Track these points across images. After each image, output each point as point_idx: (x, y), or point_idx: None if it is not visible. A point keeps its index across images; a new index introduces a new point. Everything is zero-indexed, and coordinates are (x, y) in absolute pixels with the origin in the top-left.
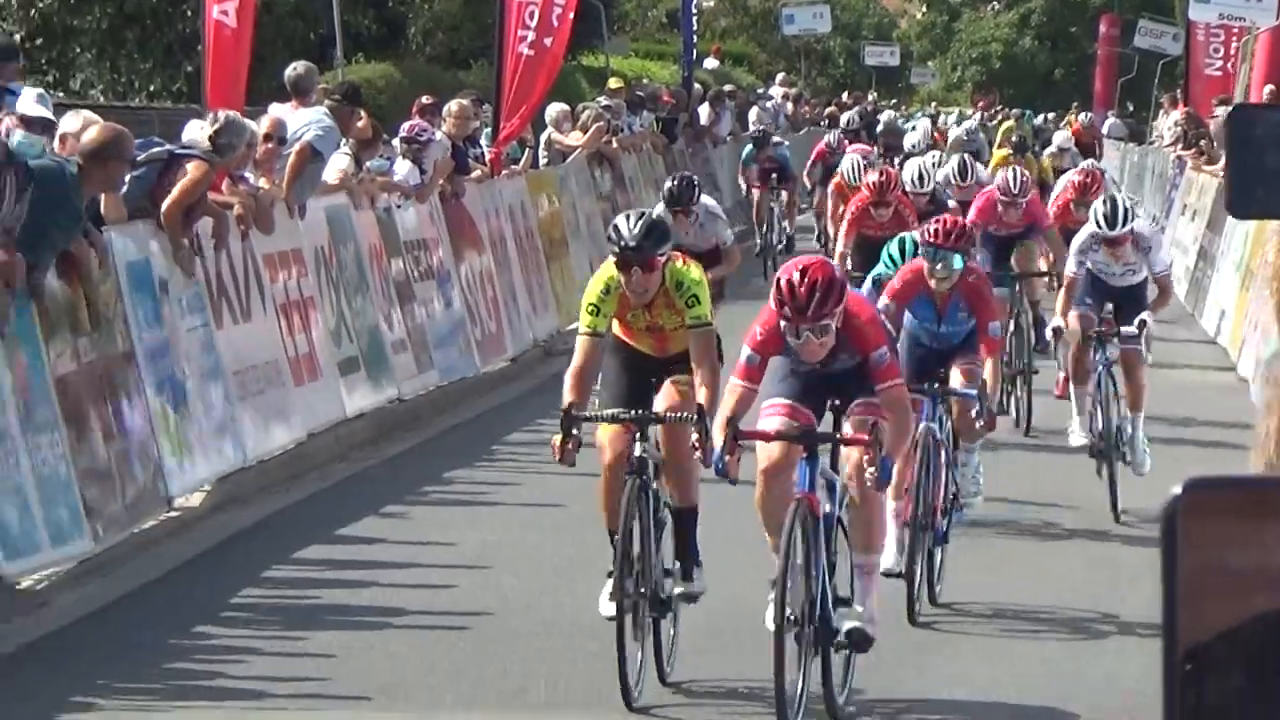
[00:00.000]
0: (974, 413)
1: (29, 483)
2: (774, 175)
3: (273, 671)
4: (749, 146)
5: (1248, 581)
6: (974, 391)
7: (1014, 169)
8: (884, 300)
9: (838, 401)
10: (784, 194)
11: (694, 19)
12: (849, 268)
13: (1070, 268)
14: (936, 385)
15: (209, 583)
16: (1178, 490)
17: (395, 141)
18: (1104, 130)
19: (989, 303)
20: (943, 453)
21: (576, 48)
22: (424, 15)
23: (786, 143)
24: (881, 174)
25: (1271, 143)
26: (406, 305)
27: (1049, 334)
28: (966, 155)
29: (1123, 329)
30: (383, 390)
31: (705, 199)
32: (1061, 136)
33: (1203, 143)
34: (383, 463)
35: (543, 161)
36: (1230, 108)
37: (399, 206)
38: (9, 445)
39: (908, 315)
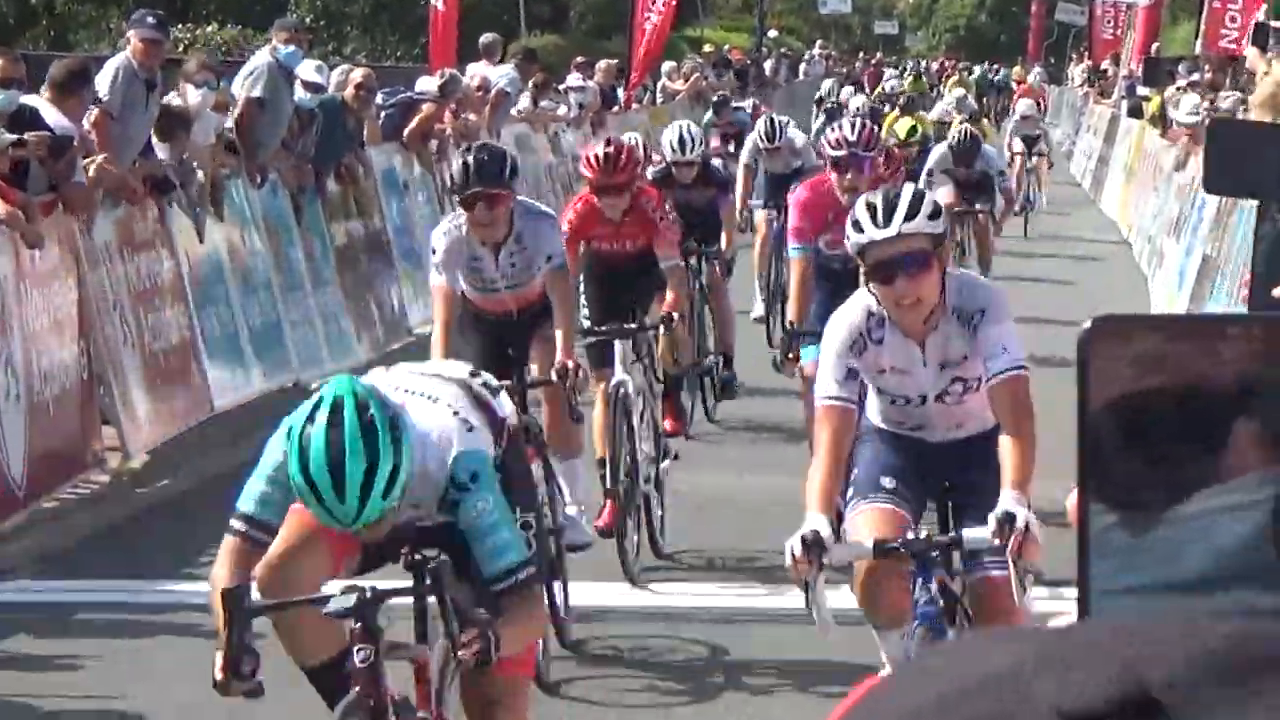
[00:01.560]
0: None
1: (315, 316)
2: (733, 141)
3: None
4: (708, 113)
5: (1148, 386)
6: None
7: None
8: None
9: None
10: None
11: (762, 3)
12: None
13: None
14: None
15: None
16: (1088, 324)
17: (561, 88)
18: (1033, 77)
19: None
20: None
21: (680, 24)
22: (580, 2)
23: (748, 105)
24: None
25: (1236, 146)
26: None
27: None
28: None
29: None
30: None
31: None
32: (1025, 105)
33: (1100, 84)
34: None
35: (658, 100)
36: (1212, 118)
37: (563, 130)
38: (304, 292)
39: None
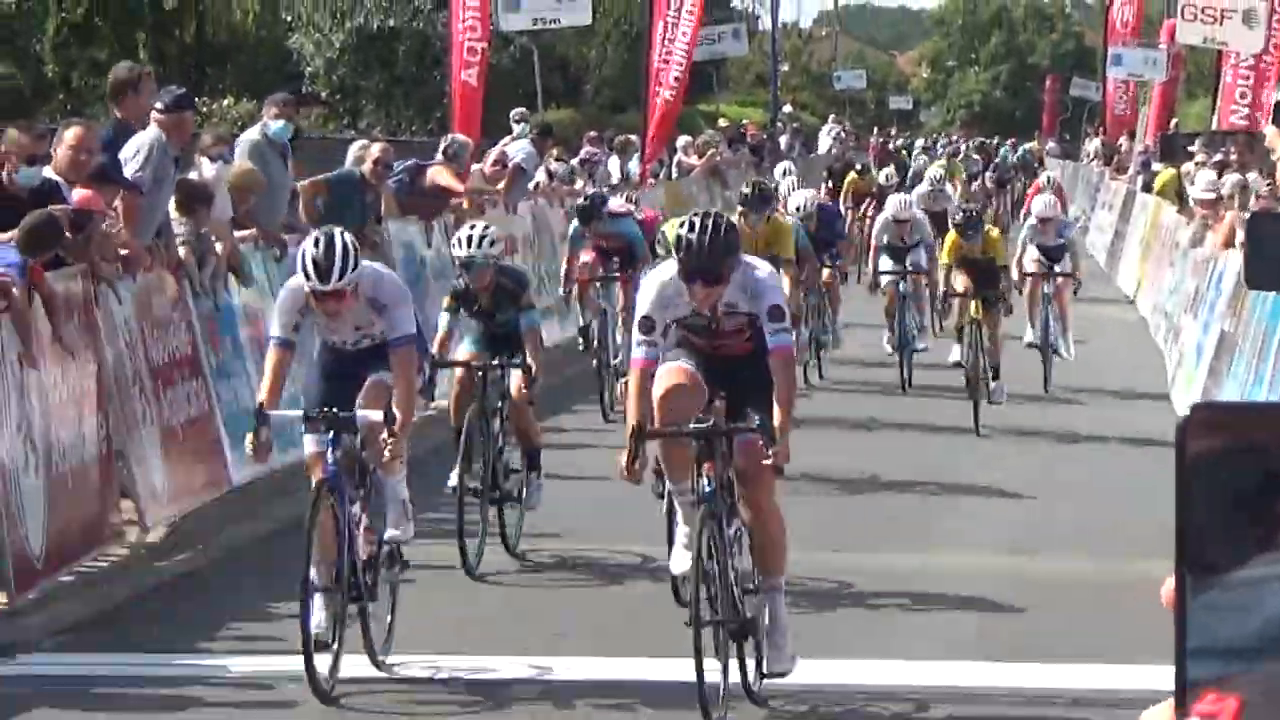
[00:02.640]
0: None
1: None
2: (617, 259)
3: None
4: (574, 222)
5: (1244, 470)
6: None
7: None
8: None
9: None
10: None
11: (777, 78)
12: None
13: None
14: None
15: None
16: (1186, 412)
17: (575, 161)
18: (1047, 151)
19: None
20: None
21: (696, 98)
22: (595, 76)
23: (634, 208)
24: None
25: (1276, 240)
26: None
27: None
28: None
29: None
30: (569, 329)
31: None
32: (1041, 204)
33: (1115, 160)
34: (565, 381)
35: (674, 175)
36: (1248, 215)
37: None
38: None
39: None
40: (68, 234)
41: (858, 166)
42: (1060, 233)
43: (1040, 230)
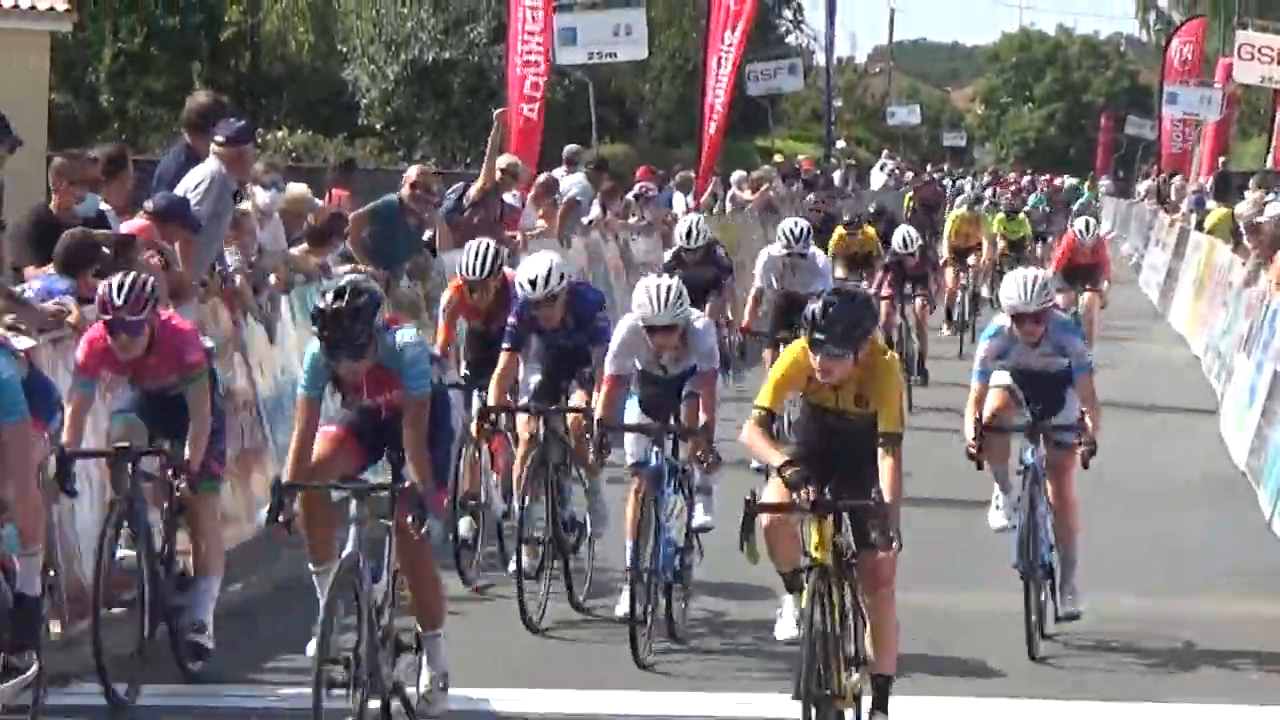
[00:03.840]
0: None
1: None
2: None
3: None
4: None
5: None
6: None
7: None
8: None
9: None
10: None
11: (831, 114)
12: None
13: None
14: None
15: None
16: None
17: (630, 196)
18: (1101, 189)
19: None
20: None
21: (751, 133)
22: (650, 110)
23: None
24: None
25: None
26: None
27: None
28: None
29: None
30: None
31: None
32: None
33: (1167, 199)
34: None
35: (728, 210)
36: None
37: (633, 239)
38: None
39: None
40: (106, 251)
41: (846, 219)
42: (1060, 345)
43: (1013, 336)
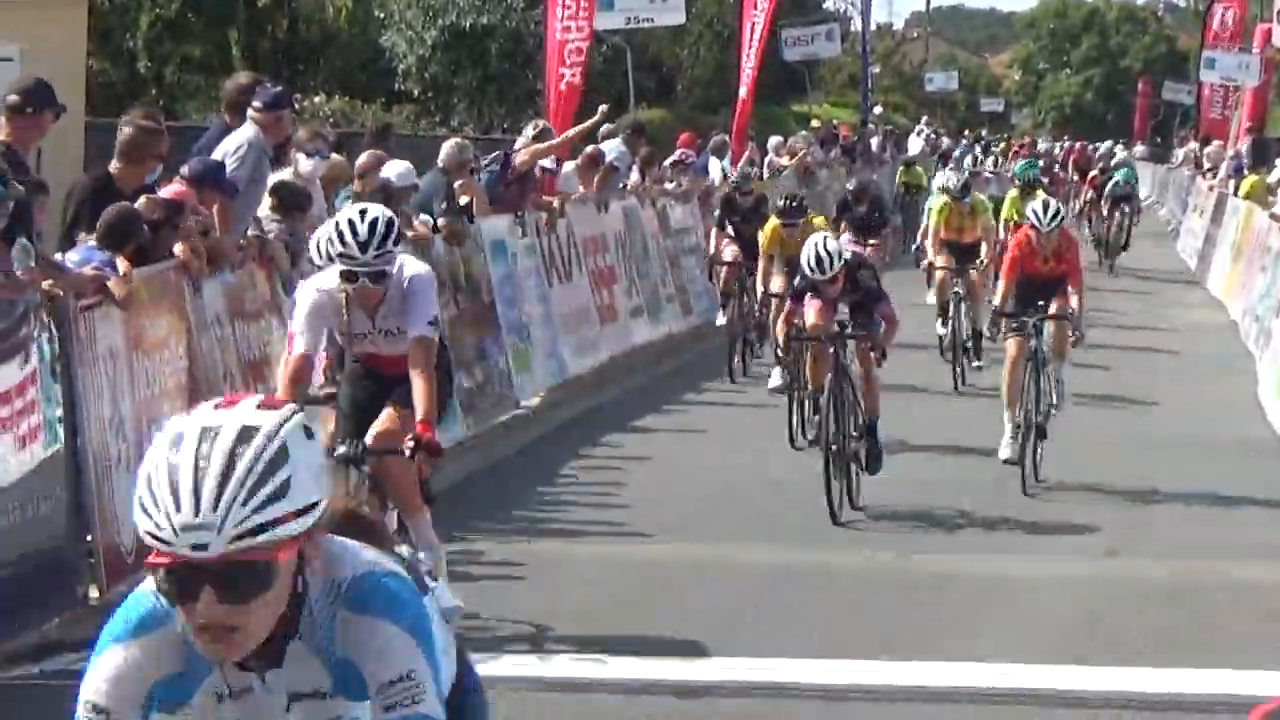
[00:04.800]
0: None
1: None
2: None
3: (589, 515)
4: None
5: None
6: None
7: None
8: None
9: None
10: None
11: (869, 80)
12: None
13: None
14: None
15: (545, 455)
16: None
17: (668, 162)
18: (1135, 155)
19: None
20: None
21: (789, 99)
22: (687, 76)
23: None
24: None
25: None
26: (675, 271)
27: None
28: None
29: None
30: (659, 328)
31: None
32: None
33: (1205, 164)
34: (655, 379)
35: (765, 175)
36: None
37: (670, 205)
38: None
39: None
40: (155, 218)
41: (781, 204)
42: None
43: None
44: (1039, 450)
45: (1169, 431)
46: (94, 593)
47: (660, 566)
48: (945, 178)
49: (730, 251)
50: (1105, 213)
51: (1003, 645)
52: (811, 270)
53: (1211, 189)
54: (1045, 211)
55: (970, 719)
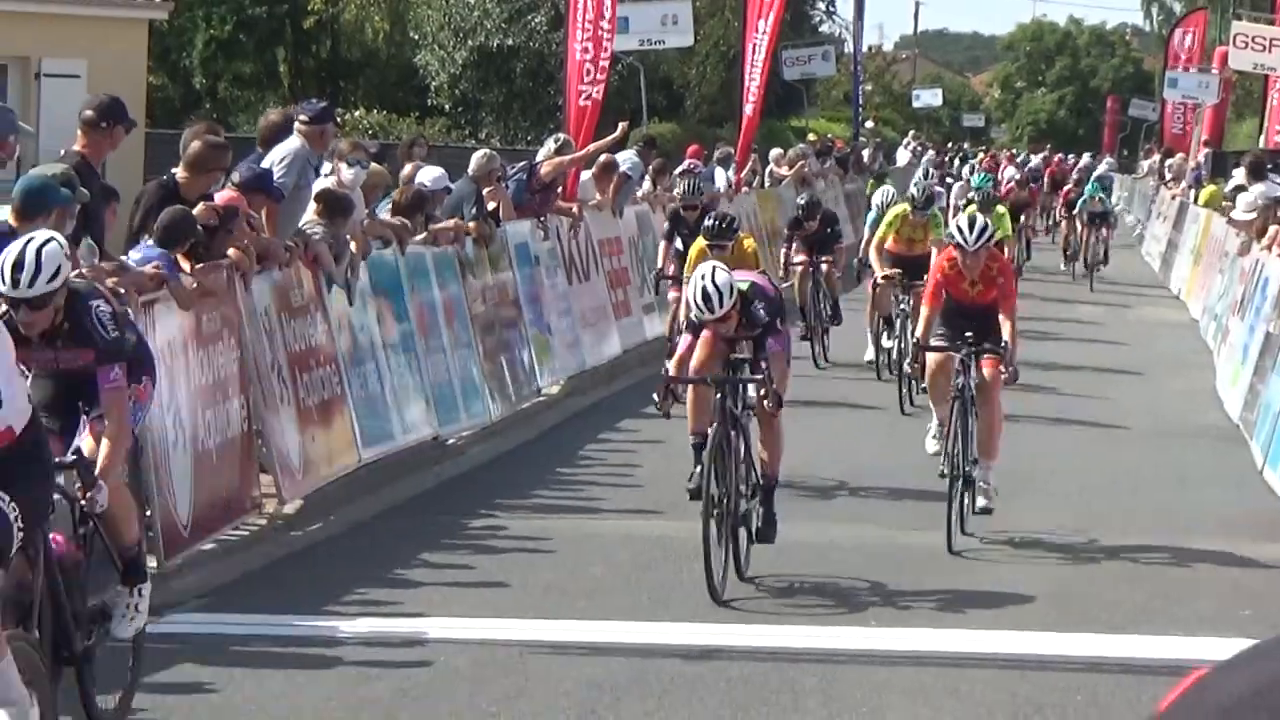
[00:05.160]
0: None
1: (454, 376)
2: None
3: (606, 494)
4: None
5: None
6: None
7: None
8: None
9: None
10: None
11: (860, 97)
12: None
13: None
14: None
15: (565, 439)
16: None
17: (677, 172)
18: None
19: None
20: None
21: (787, 113)
22: (695, 93)
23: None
24: None
25: None
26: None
27: None
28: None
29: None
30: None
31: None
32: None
33: (1168, 175)
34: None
35: (766, 184)
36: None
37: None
38: (443, 353)
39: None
40: (211, 224)
41: (710, 221)
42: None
43: None
44: (966, 500)
45: (1132, 420)
46: (153, 563)
47: (672, 541)
48: (885, 193)
49: (675, 267)
50: (1080, 230)
51: (966, 614)
52: (699, 309)
53: (1174, 198)
54: (970, 229)
55: (951, 680)
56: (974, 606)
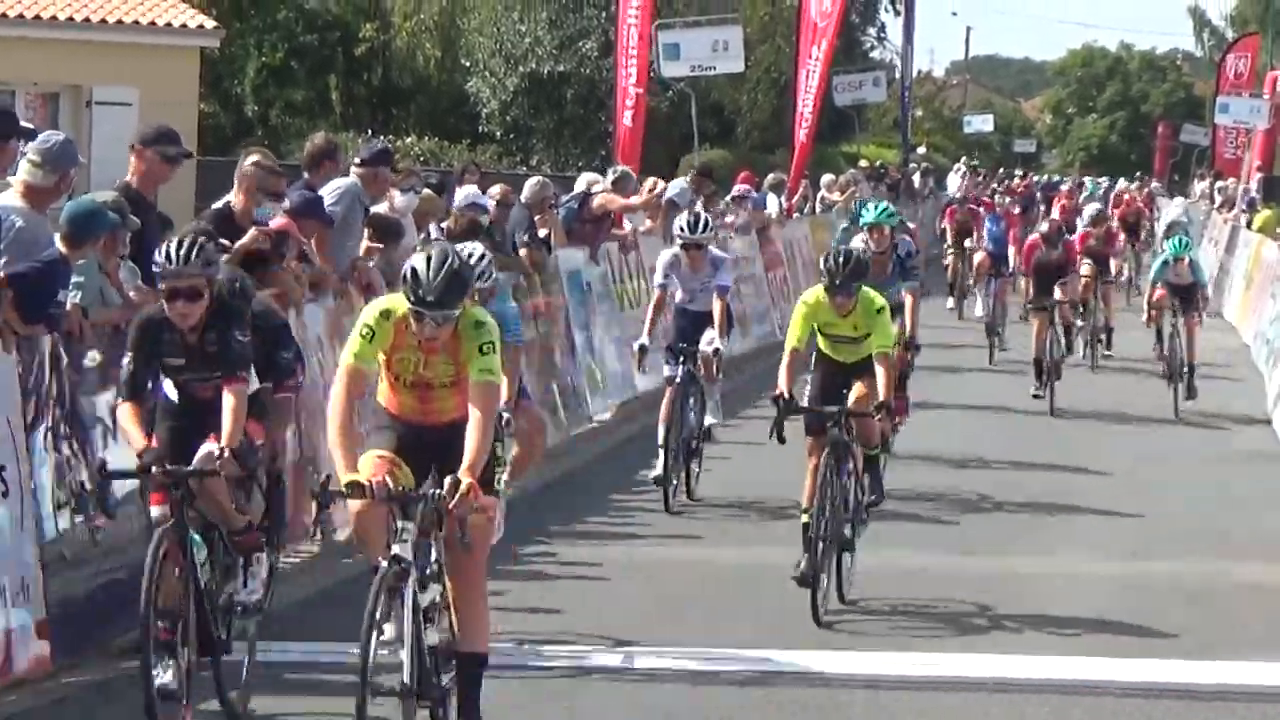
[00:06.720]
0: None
1: None
2: None
3: (655, 520)
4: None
5: None
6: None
7: None
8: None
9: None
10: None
11: (910, 123)
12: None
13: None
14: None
15: (616, 465)
16: None
17: (729, 198)
18: (1153, 190)
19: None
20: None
21: (839, 139)
22: (747, 119)
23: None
24: None
25: None
26: (734, 297)
27: None
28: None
29: None
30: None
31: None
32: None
33: (1219, 200)
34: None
35: (818, 210)
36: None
37: (730, 237)
38: None
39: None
40: (264, 249)
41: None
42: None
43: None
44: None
45: (1182, 444)
46: None
47: (723, 568)
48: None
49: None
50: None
51: (986, 638)
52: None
53: (1226, 222)
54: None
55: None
56: (1029, 629)
